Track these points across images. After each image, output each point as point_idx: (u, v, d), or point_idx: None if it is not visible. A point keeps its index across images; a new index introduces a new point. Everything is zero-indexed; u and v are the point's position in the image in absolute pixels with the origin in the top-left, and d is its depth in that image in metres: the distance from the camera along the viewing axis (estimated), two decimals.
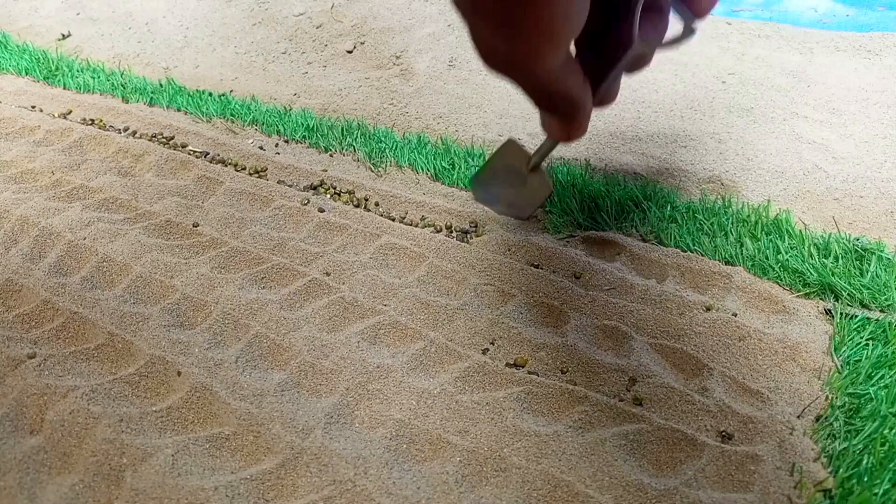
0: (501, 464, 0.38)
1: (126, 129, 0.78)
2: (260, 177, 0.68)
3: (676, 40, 0.40)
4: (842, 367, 0.44)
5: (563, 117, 0.39)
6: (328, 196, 0.65)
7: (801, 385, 0.43)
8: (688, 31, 0.39)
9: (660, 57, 0.86)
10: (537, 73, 0.34)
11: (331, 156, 0.72)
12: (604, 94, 0.40)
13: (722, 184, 0.64)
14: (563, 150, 0.70)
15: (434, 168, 0.67)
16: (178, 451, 0.39)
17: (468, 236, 0.58)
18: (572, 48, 0.38)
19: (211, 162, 0.71)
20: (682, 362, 0.45)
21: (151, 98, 0.85)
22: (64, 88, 0.90)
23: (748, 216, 0.58)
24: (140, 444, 0.39)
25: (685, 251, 0.55)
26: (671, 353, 0.46)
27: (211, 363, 0.45)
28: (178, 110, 0.83)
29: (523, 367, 0.45)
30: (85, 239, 0.57)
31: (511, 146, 0.52)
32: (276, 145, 0.75)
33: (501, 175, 0.53)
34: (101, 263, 0.54)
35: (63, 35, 1.07)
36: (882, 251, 0.52)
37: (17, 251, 0.56)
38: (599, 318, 0.49)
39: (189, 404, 0.42)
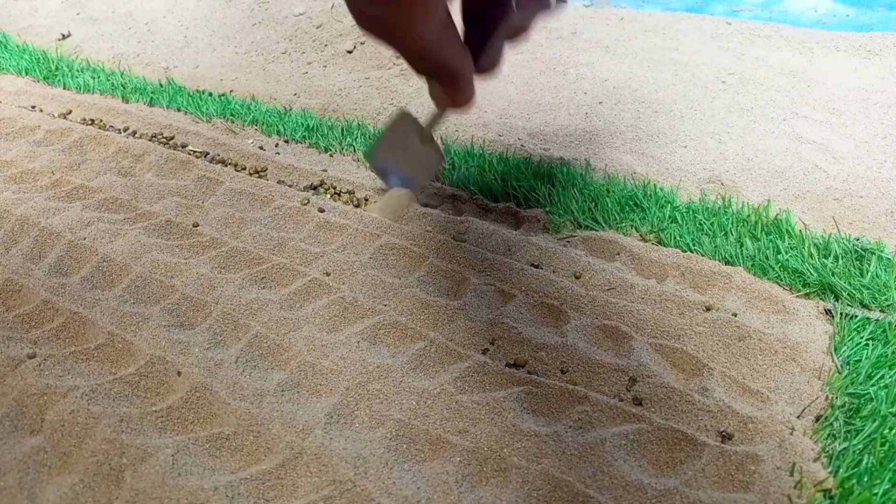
0: (501, 464, 0.38)
1: (126, 129, 0.78)
2: (260, 177, 0.68)
3: (550, 11, 0.42)
4: (842, 367, 0.44)
5: (446, 84, 0.40)
6: (328, 196, 0.65)
7: (801, 385, 0.43)
8: (560, 2, 0.42)
9: (659, 57, 0.86)
10: (412, 39, 0.34)
11: (331, 156, 0.72)
12: (486, 63, 0.41)
13: (722, 184, 0.64)
14: (563, 151, 0.70)
15: None
16: (178, 451, 0.39)
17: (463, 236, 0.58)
18: (459, 22, 0.39)
19: (211, 162, 0.71)
20: (682, 362, 0.45)
21: (151, 98, 0.85)
22: (64, 88, 0.90)
23: (748, 216, 0.58)
24: (140, 444, 0.39)
25: (685, 251, 0.55)
26: (671, 353, 0.46)
27: (211, 363, 0.45)
28: (178, 110, 0.83)
29: (523, 367, 0.45)
30: (85, 239, 0.57)
31: (404, 118, 0.52)
32: (276, 145, 0.75)
33: (397, 146, 0.53)
34: (101, 263, 0.54)
35: (63, 35, 1.07)
36: (882, 251, 0.52)
37: (17, 251, 0.56)
38: (599, 318, 0.49)
39: (189, 404, 0.42)
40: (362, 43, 0.95)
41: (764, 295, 0.50)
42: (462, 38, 0.39)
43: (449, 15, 0.36)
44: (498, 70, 0.43)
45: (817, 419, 0.41)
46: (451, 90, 0.40)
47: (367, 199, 0.64)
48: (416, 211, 0.61)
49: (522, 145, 0.72)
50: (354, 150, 0.71)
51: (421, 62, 0.38)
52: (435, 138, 0.52)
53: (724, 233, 0.56)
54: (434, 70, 0.39)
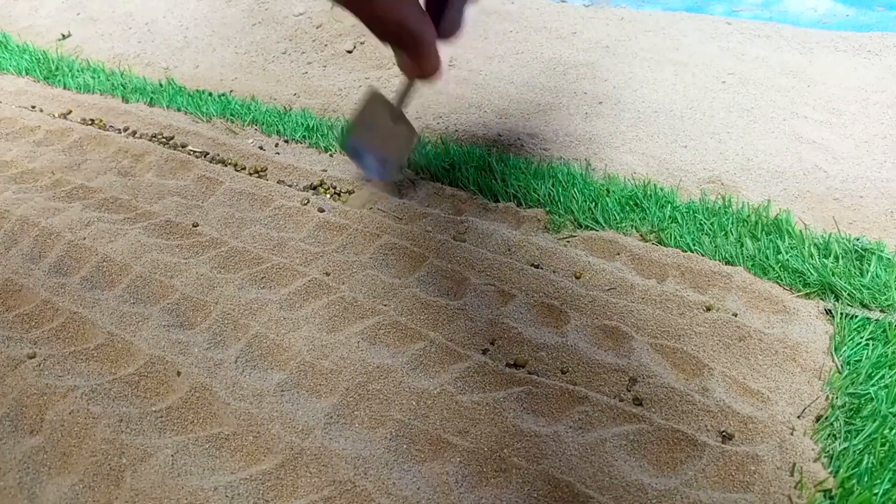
0: (501, 464, 0.38)
1: (126, 129, 0.78)
2: (260, 177, 0.68)
3: None
4: (842, 367, 0.44)
5: (410, 52, 0.41)
6: (328, 196, 0.65)
7: (801, 385, 0.43)
8: None
9: (659, 57, 0.86)
10: (371, 3, 0.37)
11: (331, 156, 0.72)
12: (447, 28, 0.43)
13: (722, 184, 0.64)
14: (563, 151, 0.70)
15: (434, 168, 0.67)
16: (178, 451, 0.39)
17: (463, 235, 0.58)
18: None
19: (211, 162, 0.71)
20: (683, 362, 0.45)
21: (151, 98, 0.85)
22: (64, 88, 0.90)
23: (748, 216, 0.58)
24: (140, 444, 0.39)
25: (685, 251, 0.55)
26: (671, 353, 0.46)
27: (211, 363, 0.45)
28: (178, 110, 0.83)
29: (523, 367, 0.45)
30: (85, 239, 0.57)
31: (374, 97, 0.52)
32: (276, 145, 0.75)
33: (369, 127, 0.53)
34: (101, 263, 0.54)
35: (63, 35, 1.07)
36: (882, 251, 0.52)
37: (17, 251, 0.56)
38: (599, 318, 0.49)
39: (189, 404, 0.42)
40: (362, 43, 0.95)
41: (764, 295, 0.50)
42: (424, 4, 0.41)
43: None
44: (459, 35, 0.45)
45: (817, 419, 0.41)
46: (416, 57, 0.41)
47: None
48: (415, 211, 0.61)
49: (522, 145, 0.72)
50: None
51: (382, 26, 0.39)
52: (406, 115, 0.52)
53: (724, 233, 0.56)
54: (395, 35, 0.40)
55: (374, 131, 0.53)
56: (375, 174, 0.57)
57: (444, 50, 0.42)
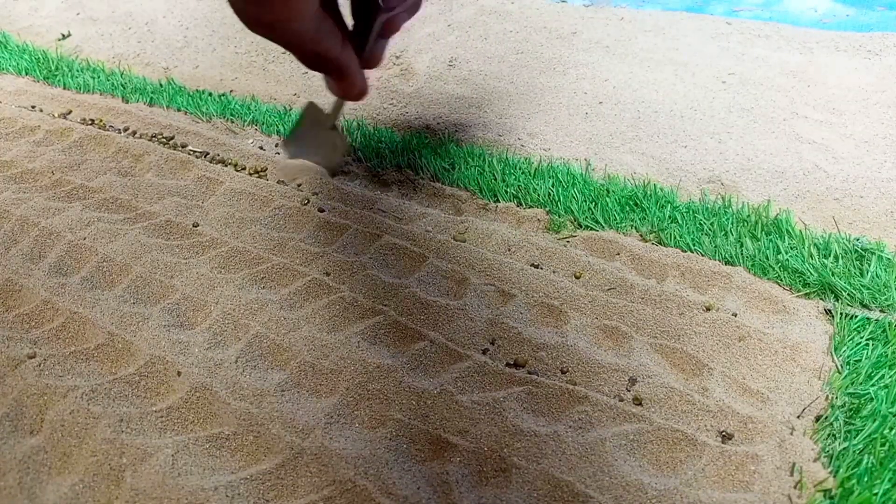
0: (501, 464, 0.38)
1: (126, 129, 0.78)
2: (260, 177, 0.68)
3: (417, 10, 0.48)
4: (842, 367, 0.44)
5: (334, 77, 0.45)
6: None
7: (801, 385, 0.43)
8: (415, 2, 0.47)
9: (659, 57, 0.86)
10: (290, 35, 0.39)
11: None
12: (367, 56, 0.47)
13: (722, 184, 0.64)
14: (563, 151, 0.70)
15: (434, 168, 0.67)
16: (178, 451, 0.39)
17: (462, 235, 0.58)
18: (349, 19, 0.46)
19: (211, 162, 0.71)
20: (682, 362, 0.45)
21: (151, 98, 0.85)
22: (64, 88, 0.90)
23: (748, 216, 0.58)
24: (140, 444, 0.39)
25: (685, 251, 0.55)
26: (671, 353, 0.46)
27: (211, 363, 0.45)
28: (178, 110, 0.83)
29: (523, 367, 0.45)
30: (85, 239, 0.57)
31: (312, 108, 0.57)
32: (276, 145, 0.75)
33: (306, 134, 0.59)
34: (101, 263, 0.54)
35: (63, 35, 1.07)
36: (882, 251, 0.52)
37: (17, 251, 0.56)
38: (599, 318, 0.49)
39: (189, 404, 0.42)
40: None
41: (764, 295, 0.50)
42: (349, 32, 0.45)
43: (324, 12, 0.41)
44: (380, 63, 0.49)
45: (817, 419, 0.41)
46: (340, 82, 0.46)
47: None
48: (415, 211, 0.61)
49: (522, 145, 0.72)
50: (354, 150, 0.71)
51: (305, 57, 0.42)
52: (338, 127, 0.59)
53: (724, 233, 0.56)
54: (318, 64, 0.43)
55: (310, 139, 0.59)
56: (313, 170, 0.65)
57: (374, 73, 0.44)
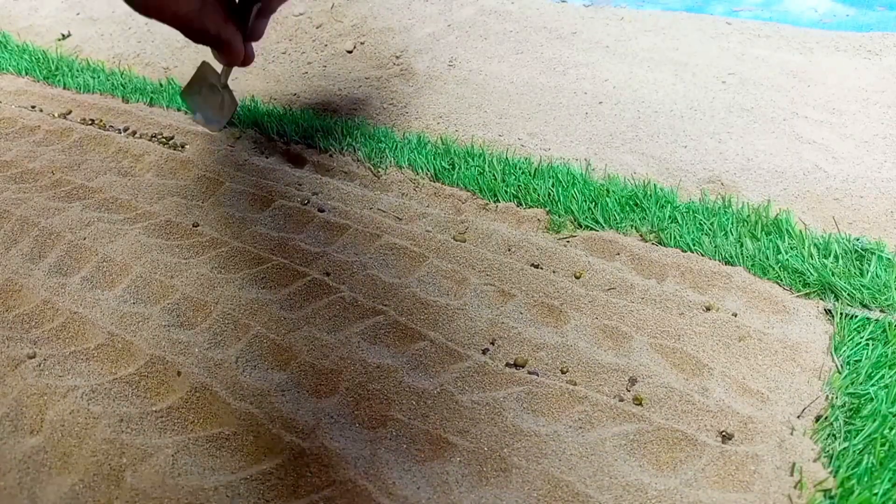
0: (501, 464, 0.38)
1: (126, 129, 0.78)
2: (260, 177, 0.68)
3: None
4: (842, 367, 0.44)
5: (218, 49, 0.52)
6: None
7: (801, 385, 0.43)
8: None
9: (659, 57, 0.86)
10: (177, 16, 0.45)
11: (330, 156, 0.72)
12: (251, 31, 0.54)
13: (722, 184, 0.64)
14: (563, 151, 0.70)
15: (434, 168, 0.67)
16: (178, 451, 0.39)
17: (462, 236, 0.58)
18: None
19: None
20: (682, 362, 0.45)
21: (151, 98, 0.85)
22: (64, 88, 0.90)
23: (748, 216, 0.58)
24: (140, 444, 0.39)
25: (685, 251, 0.55)
26: (671, 353, 0.46)
27: (211, 363, 0.45)
28: (178, 110, 0.83)
29: (523, 367, 0.45)
30: (85, 239, 0.57)
31: (205, 67, 0.66)
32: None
33: (201, 89, 0.68)
34: (101, 263, 0.54)
35: (63, 35, 1.07)
36: (882, 251, 0.52)
37: (17, 251, 0.56)
38: (599, 318, 0.49)
39: (189, 404, 0.42)
40: (362, 43, 0.95)
41: (764, 295, 0.50)
42: (233, 10, 0.51)
43: None
44: (261, 36, 0.55)
45: (817, 419, 0.41)
46: (223, 53, 0.52)
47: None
48: (415, 211, 0.61)
49: (522, 145, 0.72)
50: (354, 150, 0.71)
51: (191, 33, 0.48)
52: (229, 86, 0.66)
53: (724, 233, 0.56)
54: (203, 39, 0.49)
55: (204, 93, 0.68)
56: (204, 124, 0.72)
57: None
